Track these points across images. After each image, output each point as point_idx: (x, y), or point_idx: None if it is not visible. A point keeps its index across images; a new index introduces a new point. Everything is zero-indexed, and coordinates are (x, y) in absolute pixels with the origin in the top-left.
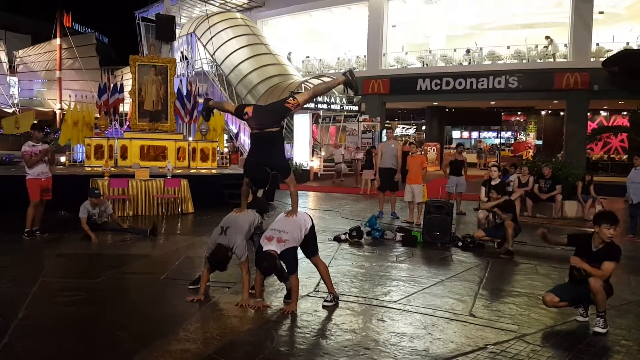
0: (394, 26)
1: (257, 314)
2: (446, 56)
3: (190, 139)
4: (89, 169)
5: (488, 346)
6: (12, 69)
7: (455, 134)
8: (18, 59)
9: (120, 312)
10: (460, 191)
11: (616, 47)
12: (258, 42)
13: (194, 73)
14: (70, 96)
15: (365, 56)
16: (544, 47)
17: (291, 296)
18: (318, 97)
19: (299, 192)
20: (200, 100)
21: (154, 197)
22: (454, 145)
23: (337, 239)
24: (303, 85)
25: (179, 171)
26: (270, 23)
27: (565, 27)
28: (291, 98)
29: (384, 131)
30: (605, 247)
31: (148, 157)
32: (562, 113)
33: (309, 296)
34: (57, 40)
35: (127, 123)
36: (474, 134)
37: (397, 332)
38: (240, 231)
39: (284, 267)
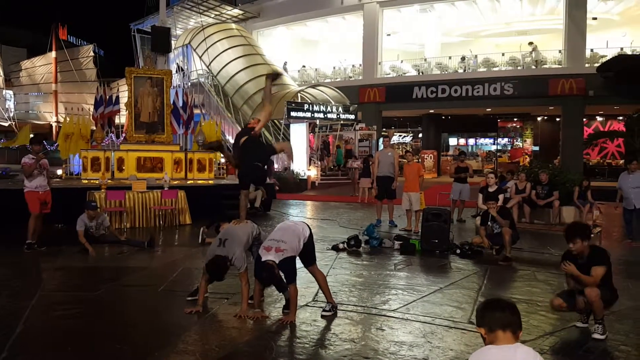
0: (389, 35)
1: (255, 325)
2: (441, 64)
3: (187, 149)
4: (86, 181)
5: None
6: (9, 83)
7: (452, 141)
8: (22, 71)
9: (119, 324)
10: (463, 198)
11: (610, 53)
12: (254, 52)
13: (190, 84)
14: (66, 109)
15: (360, 65)
16: (529, 53)
17: (290, 306)
18: (314, 107)
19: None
20: (197, 111)
21: (151, 209)
22: (450, 152)
23: (335, 248)
24: (299, 94)
25: (176, 182)
26: (265, 33)
27: (559, 33)
28: (252, 119)
29: (381, 139)
30: (589, 255)
31: (145, 168)
32: (558, 119)
33: (308, 306)
34: (53, 53)
35: (124, 135)
36: (471, 141)
37: (396, 340)
38: (238, 243)
39: (283, 277)
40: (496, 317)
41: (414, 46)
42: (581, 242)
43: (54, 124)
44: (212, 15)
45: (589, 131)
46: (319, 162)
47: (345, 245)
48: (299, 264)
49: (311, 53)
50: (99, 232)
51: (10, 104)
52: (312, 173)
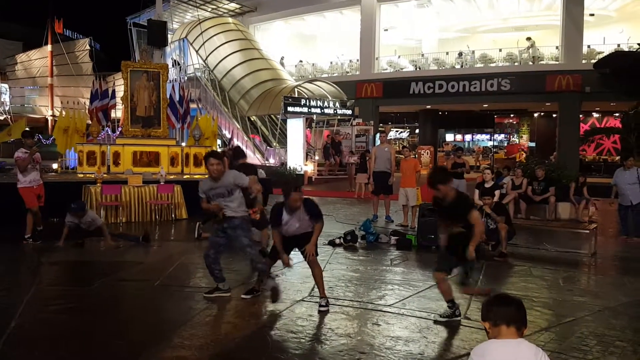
0: (386, 30)
1: (252, 320)
2: (439, 59)
3: (183, 144)
4: (82, 175)
5: None
6: (4, 76)
7: (449, 137)
8: (18, 64)
9: (115, 319)
10: None
11: (607, 49)
12: (250, 47)
13: (186, 78)
14: (62, 102)
15: (358, 60)
16: (527, 48)
17: (312, 237)
18: (311, 102)
19: None
20: (193, 106)
21: (147, 204)
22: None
23: (331, 243)
24: (296, 89)
25: (172, 177)
26: (262, 28)
27: (556, 29)
28: None
29: (378, 135)
30: (454, 199)
31: (141, 163)
32: (554, 115)
33: (304, 301)
34: (49, 47)
35: (120, 129)
36: (467, 137)
37: (392, 335)
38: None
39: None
40: (501, 312)
41: (412, 41)
42: (443, 186)
43: (49, 118)
44: (209, 9)
45: (585, 127)
46: (326, 161)
47: (342, 241)
48: (298, 258)
49: (308, 48)
50: (93, 227)
51: (6, 98)
52: (309, 168)
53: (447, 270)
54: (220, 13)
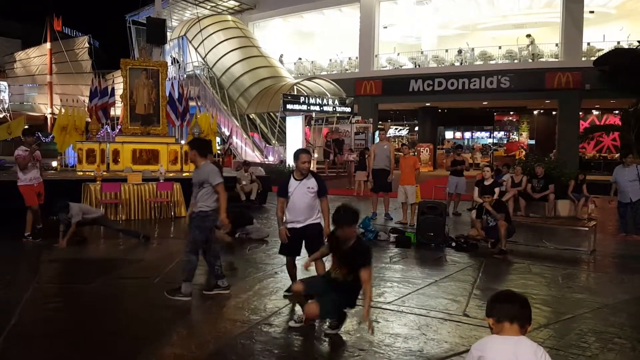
0: (385, 27)
1: (251, 317)
2: (438, 57)
3: (183, 142)
4: (81, 173)
5: None
6: (3, 74)
7: (448, 134)
8: (17, 62)
9: (114, 317)
10: (459, 192)
11: (607, 47)
12: (250, 44)
13: (185, 76)
14: (61, 100)
15: (357, 57)
16: (526, 45)
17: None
18: (310, 99)
19: None
20: (192, 103)
21: (146, 201)
22: (446, 146)
23: None
24: (295, 87)
25: (171, 174)
26: (261, 25)
27: (556, 26)
28: None
29: (377, 132)
30: (353, 246)
31: (140, 160)
32: (554, 112)
33: None
34: (48, 45)
35: (119, 127)
36: (467, 134)
37: (392, 333)
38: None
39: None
40: (505, 309)
41: (411, 39)
42: (349, 227)
43: (48, 116)
44: (208, 7)
45: (585, 125)
46: (326, 159)
47: None
48: (301, 255)
49: (307, 45)
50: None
51: (5, 96)
52: None
53: (315, 292)
54: (219, 11)
